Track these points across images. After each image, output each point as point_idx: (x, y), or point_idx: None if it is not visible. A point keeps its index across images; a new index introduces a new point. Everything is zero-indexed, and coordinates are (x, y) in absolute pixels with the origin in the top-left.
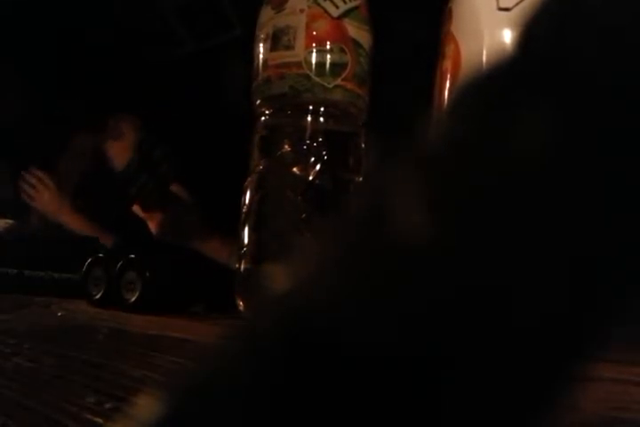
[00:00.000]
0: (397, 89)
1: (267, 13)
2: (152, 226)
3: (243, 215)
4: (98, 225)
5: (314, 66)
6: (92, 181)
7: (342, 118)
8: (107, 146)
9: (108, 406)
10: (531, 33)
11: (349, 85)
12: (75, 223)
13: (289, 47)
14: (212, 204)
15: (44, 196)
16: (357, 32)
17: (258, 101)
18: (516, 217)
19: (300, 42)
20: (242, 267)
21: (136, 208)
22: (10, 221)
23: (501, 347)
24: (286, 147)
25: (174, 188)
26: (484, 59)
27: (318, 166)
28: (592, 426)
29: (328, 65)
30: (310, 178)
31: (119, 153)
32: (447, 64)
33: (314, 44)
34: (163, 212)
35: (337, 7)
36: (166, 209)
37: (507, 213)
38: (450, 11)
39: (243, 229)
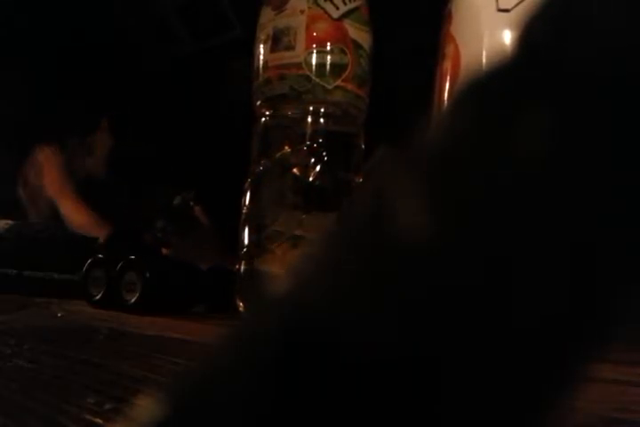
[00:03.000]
0: (398, 89)
1: (267, 14)
2: (168, 250)
3: (243, 216)
4: (96, 216)
5: (314, 67)
6: (89, 181)
7: (342, 119)
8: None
9: (107, 406)
10: (529, 35)
11: (350, 86)
12: (73, 210)
13: (289, 48)
14: (227, 223)
15: (49, 173)
16: (358, 33)
17: (258, 102)
18: (515, 217)
19: (301, 43)
20: (242, 268)
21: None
22: (10, 222)
23: (502, 347)
24: (286, 148)
25: (196, 211)
26: (484, 60)
27: (318, 167)
28: None
29: (328, 66)
30: (310, 179)
31: (95, 159)
32: (447, 65)
33: (314, 45)
34: (180, 239)
35: (337, 8)
36: (184, 237)
37: (507, 213)
38: (449, 12)
39: (243, 230)
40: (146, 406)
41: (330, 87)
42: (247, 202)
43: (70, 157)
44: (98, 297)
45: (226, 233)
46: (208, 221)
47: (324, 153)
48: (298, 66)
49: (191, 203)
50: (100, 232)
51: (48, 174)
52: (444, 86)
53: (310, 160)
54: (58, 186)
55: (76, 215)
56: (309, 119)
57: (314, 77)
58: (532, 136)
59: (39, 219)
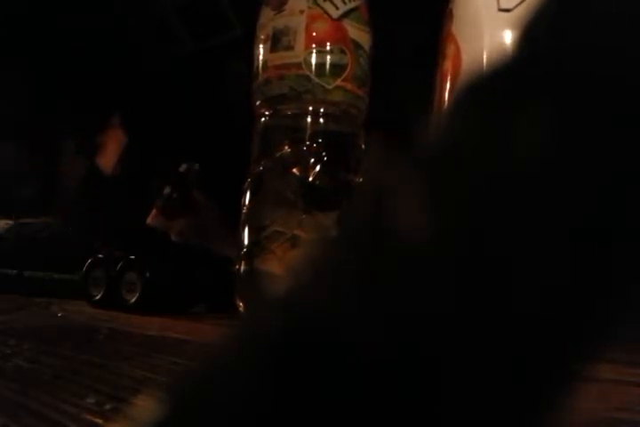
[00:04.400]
0: (397, 89)
1: (266, 14)
2: (172, 232)
3: (243, 216)
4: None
5: (314, 67)
6: (90, 183)
7: (342, 119)
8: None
9: (107, 406)
10: (530, 35)
11: (349, 86)
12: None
13: (289, 48)
14: (229, 205)
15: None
16: (357, 33)
17: (258, 102)
18: (515, 217)
19: (300, 43)
20: (242, 268)
21: (158, 218)
22: (10, 222)
23: (502, 347)
24: (286, 148)
25: (195, 193)
26: (485, 59)
27: (318, 167)
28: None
29: (328, 66)
30: (310, 179)
31: (106, 157)
32: (448, 65)
33: (314, 45)
34: (184, 218)
35: (337, 8)
36: (188, 215)
37: (507, 213)
38: (450, 12)
39: (243, 230)
40: (146, 406)
41: (329, 87)
42: (247, 202)
43: (71, 156)
44: (98, 297)
45: (228, 219)
46: (209, 204)
47: (324, 153)
48: (297, 66)
49: (193, 174)
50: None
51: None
52: (445, 86)
53: (310, 160)
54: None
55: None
56: (309, 119)
57: (313, 77)
58: (532, 136)
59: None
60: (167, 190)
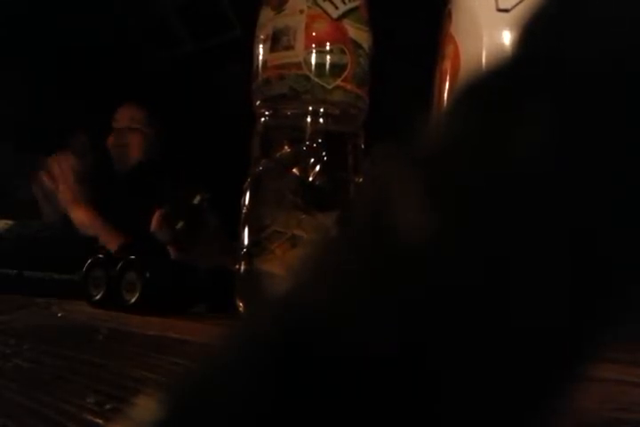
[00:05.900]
0: (397, 89)
1: (266, 14)
2: (173, 251)
3: (242, 216)
4: (107, 224)
5: (313, 67)
6: (94, 181)
7: (342, 119)
8: (111, 146)
9: (107, 406)
10: (529, 35)
11: (349, 86)
12: (85, 220)
13: (289, 48)
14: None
15: (64, 182)
16: (357, 33)
17: (257, 102)
18: (515, 217)
19: (300, 43)
20: (242, 268)
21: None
22: (10, 222)
23: (502, 346)
24: (286, 148)
25: (208, 223)
26: (484, 59)
27: (318, 167)
28: None
29: (328, 66)
30: (310, 179)
31: (123, 153)
32: (447, 65)
33: (313, 45)
34: (194, 239)
35: (337, 8)
36: (199, 245)
37: (506, 213)
38: (449, 12)
39: (242, 230)
40: (146, 406)
41: (329, 87)
42: (247, 202)
43: (76, 155)
44: (98, 297)
45: (232, 234)
46: (216, 221)
47: (324, 153)
48: (297, 66)
49: (205, 203)
50: (112, 242)
51: (62, 182)
52: (444, 86)
53: (310, 160)
54: (70, 195)
55: (88, 226)
56: (309, 119)
57: (313, 77)
58: (532, 136)
59: (54, 217)
60: (180, 225)
